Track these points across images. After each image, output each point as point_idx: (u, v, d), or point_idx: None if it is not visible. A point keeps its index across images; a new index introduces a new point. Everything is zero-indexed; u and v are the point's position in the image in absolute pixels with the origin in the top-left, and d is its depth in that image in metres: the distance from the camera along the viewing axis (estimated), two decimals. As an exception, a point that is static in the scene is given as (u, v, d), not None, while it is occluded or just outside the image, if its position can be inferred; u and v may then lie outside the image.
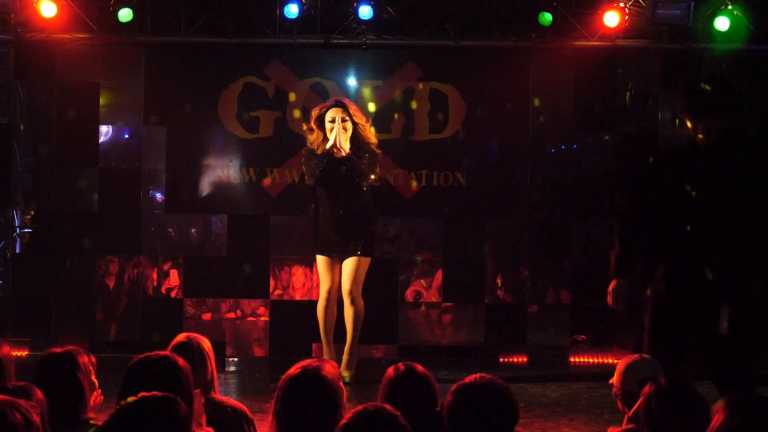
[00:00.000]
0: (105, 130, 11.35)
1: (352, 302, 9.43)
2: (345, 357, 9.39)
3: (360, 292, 9.47)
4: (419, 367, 4.72)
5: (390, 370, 4.72)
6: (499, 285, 11.44)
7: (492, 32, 11.05)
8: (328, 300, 9.51)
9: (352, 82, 11.40)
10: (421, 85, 11.31)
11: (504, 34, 11.03)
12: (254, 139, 11.26)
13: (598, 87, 11.32)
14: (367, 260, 9.48)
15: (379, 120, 11.10)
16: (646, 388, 4.44)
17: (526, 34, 11.03)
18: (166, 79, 11.30)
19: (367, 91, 11.34)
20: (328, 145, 9.31)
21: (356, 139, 9.39)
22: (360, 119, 9.43)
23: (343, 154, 9.31)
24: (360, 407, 3.72)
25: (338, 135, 9.27)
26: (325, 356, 9.42)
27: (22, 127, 11.31)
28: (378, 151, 9.51)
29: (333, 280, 9.49)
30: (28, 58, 11.13)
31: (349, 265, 9.42)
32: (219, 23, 10.99)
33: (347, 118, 9.33)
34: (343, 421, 3.69)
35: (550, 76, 11.32)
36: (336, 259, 9.48)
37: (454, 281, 11.36)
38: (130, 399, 3.51)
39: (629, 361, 5.37)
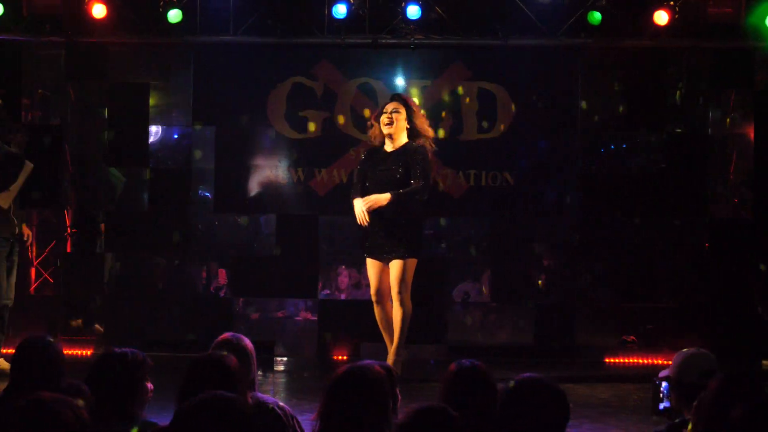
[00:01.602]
0: (155, 131, 11.47)
1: (401, 304, 9.19)
2: (390, 358, 9.12)
3: (408, 294, 9.24)
4: (481, 365, 4.71)
5: (452, 366, 4.70)
6: (548, 285, 11.42)
7: (540, 31, 10.95)
8: (376, 303, 9.35)
9: (400, 82, 11.40)
10: (468, 85, 11.28)
11: (552, 33, 10.94)
12: (302, 139, 11.26)
13: (647, 86, 11.21)
14: (413, 261, 9.20)
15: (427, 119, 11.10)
16: (713, 383, 4.33)
17: (575, 33, 10.94)
18: (215, 79, 11.31)
19: (415, 91, 11.32)
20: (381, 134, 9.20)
21: (414, 136, 9.20)
22: (414, 111, 9.23)
23: (388, 149, 9.19)
24: (418, 406, 3.68)
25: (383, 124, 9.14)
26: (390, 357, 9.27)
27: (72, 127, 11.39)
28: (430, 148, 9.21)
29: (380, 282, 9.30)
30: (79, 59, 11.18)
31: (396, 267, 9.18)
32: (268, 23, 10.99)
33: (400, 109, 9.15)
34: (401, 420, 3.66)
35: (599, 74, 11.33)
36: (383, 261, 9.25)
37: (503, 281, 11.34)
38: (196, 398, 3.52)
39: (687, 353, 5.27)
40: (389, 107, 9.17)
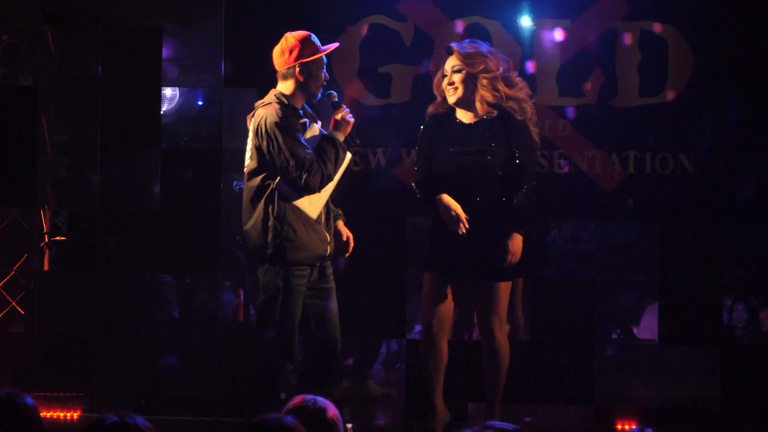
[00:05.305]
0: (170, 95, 11.41)
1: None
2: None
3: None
4: None
5: None
6: (744, 318, 10.98)
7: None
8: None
9: (525, 22, 10.56)
10: (626, 27, 10.69)
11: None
12: (384, 105, 10.67)
13: None
14: (509, 284, 9.41)
15: (565, 78, 10.61)
16: None
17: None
18: (257, 21, 10.69)
19: (548, 36, 10.65)
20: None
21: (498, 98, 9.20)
22: (477, 67, 9.24)
23: (464, 119, 9.28)
24: None
25: (448, 94, 9.34)
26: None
27: (52, 91, 11.03)
28: (528, 113, 9.29)
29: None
30: (63, -6, 10.15)
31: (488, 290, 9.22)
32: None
33: (461, 67, 9.27)
34: None
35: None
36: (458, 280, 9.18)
37: (677, 312, 10.73)
38: None
39: None
40: (448, 66, 9.25)
